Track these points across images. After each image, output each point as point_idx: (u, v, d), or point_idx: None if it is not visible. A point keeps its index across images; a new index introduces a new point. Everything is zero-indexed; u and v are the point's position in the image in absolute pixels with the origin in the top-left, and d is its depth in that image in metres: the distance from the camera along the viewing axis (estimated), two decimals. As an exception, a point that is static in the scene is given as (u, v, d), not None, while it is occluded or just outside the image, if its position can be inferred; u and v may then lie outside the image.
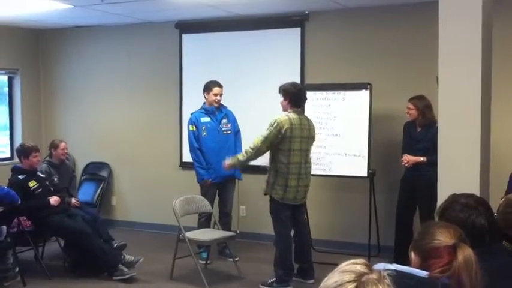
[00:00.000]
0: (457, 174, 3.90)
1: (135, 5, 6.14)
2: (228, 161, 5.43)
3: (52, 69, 8.16)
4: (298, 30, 6.66)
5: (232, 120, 6.26)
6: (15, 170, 5.80)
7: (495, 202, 2.82)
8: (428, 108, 5.56)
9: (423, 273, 1.92)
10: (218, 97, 6.08)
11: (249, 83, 6.90)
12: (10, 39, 7.80)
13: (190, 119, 6.16)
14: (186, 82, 7.28)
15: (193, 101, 6.60)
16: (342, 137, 5.96)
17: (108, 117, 7.82)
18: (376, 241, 6.06)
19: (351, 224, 6.40)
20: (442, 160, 4.01)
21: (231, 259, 5.83)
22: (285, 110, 5.25)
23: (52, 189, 5.87)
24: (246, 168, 6.23)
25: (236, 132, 6.27)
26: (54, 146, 6.23)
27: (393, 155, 6.03)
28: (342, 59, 6.49)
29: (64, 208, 5.83)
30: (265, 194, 5.28)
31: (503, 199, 2.85)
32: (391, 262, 2.12)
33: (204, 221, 6.09)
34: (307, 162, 5.26)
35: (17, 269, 5.41)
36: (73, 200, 6.15)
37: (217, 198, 6.26)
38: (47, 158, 6.30)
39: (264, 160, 5.33)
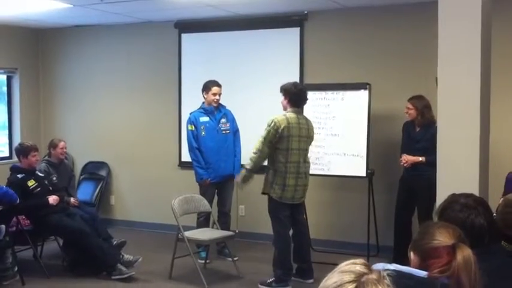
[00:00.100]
0: (456, 174, 3.90)
1: (134, 4, 6.14)
2: (238, 177, 5.42)
3: (51, 69, 8.15)
4: (297, 30, 6.66)
5: (231, 120, 6.26)
6: (14, 169, 5.80)
7: (494, 202, 2.83)
8: (427, 108, 5.56)
9: (422, 273, 1.92)
10: (217, 97, 6.08)
11: (248, 82, 6.90)
12: (9, 39, 7.79)
13: (189, 118, 6.16)
14: (185, 82, 7.28)
15: (192, 100, 6.60)
16: (341, 137, 5.96)
17: (107, 117, 7.82)
18: (375, 241, 6.07)
19: (350, 223, 6.40)
20: (441, 160, 4.01)
21: (230, 259, 5.83)
22: (284, 109, 5.26)
23: (51, 188, 5.87)
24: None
25: (235, 132, 6.27)
26: (53, 145, 6.22)
27: (392, 155, 6.03)
28: (341, 58, 6.49)
29: (63, 207, 5.83)
30: (263, 193, 5.28)
31: (502, 199, 2.85)
32: (390, 262, 2.12)
33: (203, 220, 6.09)
34: (305, 161, 5.26)
35: (16, 268, 5.41)
36: (72, 199, 6.14)
37: (216, 197, 6.26)
38: (46, 157, 6.29)
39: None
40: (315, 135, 5.44)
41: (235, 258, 5.82)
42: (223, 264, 6.02)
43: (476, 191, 3.53)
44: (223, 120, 6.17)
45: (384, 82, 6.16)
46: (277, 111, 5.31)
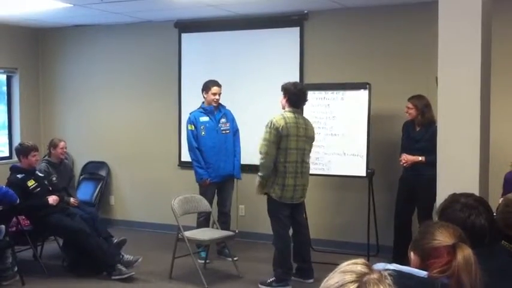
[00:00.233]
0: (456, 173, 3.90)
1: (134, 4, 6.14)
2: (257, 189, 5.27)
3: (51, 68, 8.15)
4: (297, 29, 6.66)
5: (231, 120, 6.25)
6: (14, 169, 5.80)
7: (494, 202, 2.83)
8: (428, 108, 5.57)
9: (423, 273, 1.92)
10: (217, 96, 6.08)
11: (248, 82, 6.90)
12: (9, 38, 7.79)
13: (189, 118, 6.16)
14: (185, 81, 7.27)
15: (192, 100, 6.59)
16: (340, 137, 5.96)
17: (107, 116, 7.82)
18: (375, 241, 6.07)
19: (350, 223, 6.40)
20: (441, 160, 4.01)
21: (230, 258, 5.82)
22: (283, 108, 5.26)
23: (51, 188, 5.87)
24: (244, 167, 6.28)
25: (235, 132, 6.27)
26: (53, 145, 6.21)
27: (392, 155, 6.03)
28: (341, 58, 6.49)
29: (63, 207, 5.83)
30: (264, 194, 5.27)
31: (502, 199, 2.85)
32: (390, 262, 2.12)
33: (203, 220, 6.09)
34: (303, 161, 5.24)
35: (16, 268, 5.41)
36: (72, 199, 6.14)
37: (216, 197, 6.25)
38: (46, 157, 6.28)
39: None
40: (314, 135, 5.44)
41: (235, 258, 5.82)
42: (223, 264, 6.02)
43: (476, 191, 3.53)
44: (223, 120, 6.17)
45: (384, 82, 6.16)
46: (277, 110, 5.31)
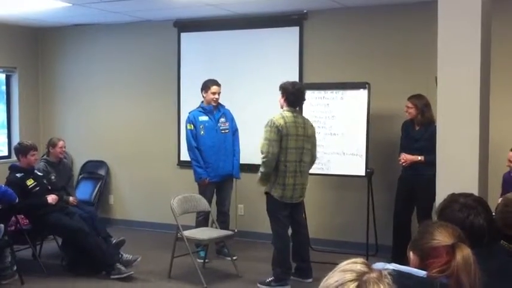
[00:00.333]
0: (455, 173, 3.91)
1: (133, 3, 6.14)
2: (259, 182, 5.26)
3: (50, 68, 8.14)
4: (296, 29, 6.65)
5: (230, 119, 6.25)
6: (13, 169, 5.79)
7: (493, 201, 2.83)
8: (427, 107, 5.57)
9: (422, 273, 1.91)
10: (216, 96, 6.07)
11: (247, 82, 6.89)
12: (9, 38, 7.78)
13: (188, 117, 6.15)
14: (184, 81, 7.27)
15: (191, 99, 6.59)
16: (340, 136, 5.96)
17: (106, 116, 7.82)
18: (374, 240, 6.07)
19: (349, 223, 6.40)
20: (440, 159, 4.01)
21: (229, 258, 5.83)
22: (281, 107, 5.26)
23: (50, 187, 5.86)
24: (243, 167, 6.28)
25: (234, 132, 6.26)
26: (52, 144, 6.21)
27: (391, 154, 6.03)
28: (340, 58, 6.49)
29: (62, 206, 5.82)
30: (265, 193, 5.26)
31: (501, 198, 2.85)
32: (389, 261, 2.12)
33: (202, 219, 6.08)
34: (302, 160, 5.23)
35: (15, 268, 5.40)
36: (71, 198, 6.14)
37: (215, 197, 6.25)
38: (44, 157, 6.28)
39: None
40: (315, 133, 5.43)
41: (234, 258, 5.81)
42: (222, 263, 6.02)
43: (475, 190, 3.53)
44: (222, 119, 6.16)
45: (384, 81, 6.16)
46: (277, 110, 5.30)
